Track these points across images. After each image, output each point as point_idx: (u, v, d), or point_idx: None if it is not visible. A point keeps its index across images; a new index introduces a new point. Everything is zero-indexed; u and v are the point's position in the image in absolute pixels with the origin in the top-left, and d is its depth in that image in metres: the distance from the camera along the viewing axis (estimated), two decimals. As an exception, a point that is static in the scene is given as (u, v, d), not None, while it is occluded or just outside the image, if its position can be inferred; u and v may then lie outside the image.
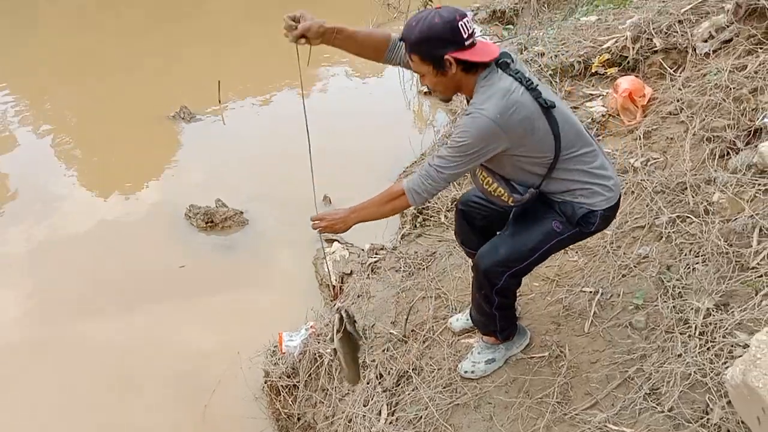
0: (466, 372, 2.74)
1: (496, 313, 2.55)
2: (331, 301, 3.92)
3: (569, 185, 2.27)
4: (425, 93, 6.71)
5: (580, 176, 2.25)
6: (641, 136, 3.78)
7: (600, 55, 4.36)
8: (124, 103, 6.96)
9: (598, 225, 2.32)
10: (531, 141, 2.13)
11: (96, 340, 3.91)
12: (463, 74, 2.10)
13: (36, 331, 4.02)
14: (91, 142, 6.40)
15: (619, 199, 2.35)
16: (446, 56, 2.04)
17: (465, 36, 2.03)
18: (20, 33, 9.51)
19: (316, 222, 2.37)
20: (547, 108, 2.12)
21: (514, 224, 2.44)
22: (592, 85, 4.37)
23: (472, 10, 9.03)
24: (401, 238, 4.08)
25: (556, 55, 4.45)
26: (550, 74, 4.35)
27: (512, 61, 2.15)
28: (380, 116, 6.48)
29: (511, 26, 7.95)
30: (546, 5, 7.33)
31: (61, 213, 5.23)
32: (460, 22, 2.03)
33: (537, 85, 2.13)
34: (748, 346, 2.15)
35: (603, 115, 4.03)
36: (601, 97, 4.20)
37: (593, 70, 4.38)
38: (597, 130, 3.97)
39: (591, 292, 2.96)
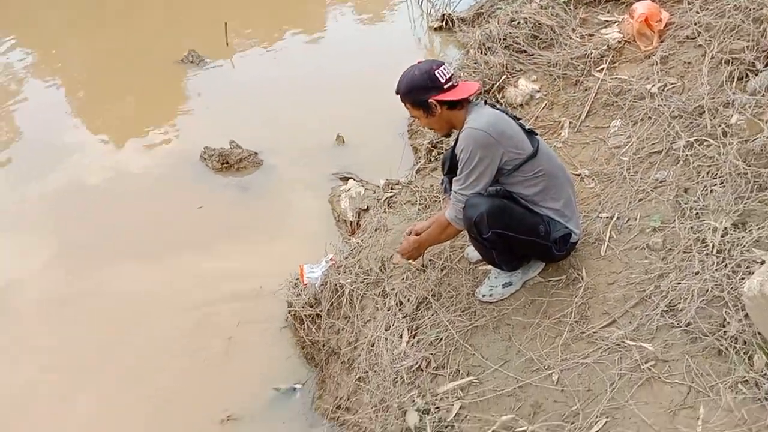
0: (483, 296, 2.81)
1: (492, 251, 2.65)
2: (349, 236, 3.98)
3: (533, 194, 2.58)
4: (436, 29, 6.60)
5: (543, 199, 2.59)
6: (658, 62, 3.73)
7: (615, -19, 4.26)
8: (131, 50, 6.87)
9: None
10: (514, 141, 2.48)
11: (118, 285, 3.99)
12: (449, 112, 2.51)
13: (57, 280, 4.08)
14: (102, 91, 6.37)
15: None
16: (429, 100, 2.46)
17: (443, 81, 2.45)
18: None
19: (402, 256, 2.92)
20: (529, 132, 2.55)
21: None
22: (608, 12, 4.27)
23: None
24: (416, 173, 4.10)
25: (569, -18, 4.35)
26: (564, 1, 4.26)
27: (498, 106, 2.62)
28: (391, 53, 6.38)
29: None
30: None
31: (76, 162, 5.23)
32: (436, 71, 2.46)
33: (520, 119, 2.60)
34: (765, 262, 2.19)
35: (619, 42, 3.97)
36: (616, 23, 4.11)
37: (609, -4, 4.29)
38: (613, 57, 3.91)
39: (607, 217, 2.98)
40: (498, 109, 2.56)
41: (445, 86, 2.46)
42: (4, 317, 3.86)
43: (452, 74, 2.51)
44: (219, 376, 3.35)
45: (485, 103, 2.57)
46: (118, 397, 3.32)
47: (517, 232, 2.56)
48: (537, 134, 2.62)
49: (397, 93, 2.58)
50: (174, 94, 6.13)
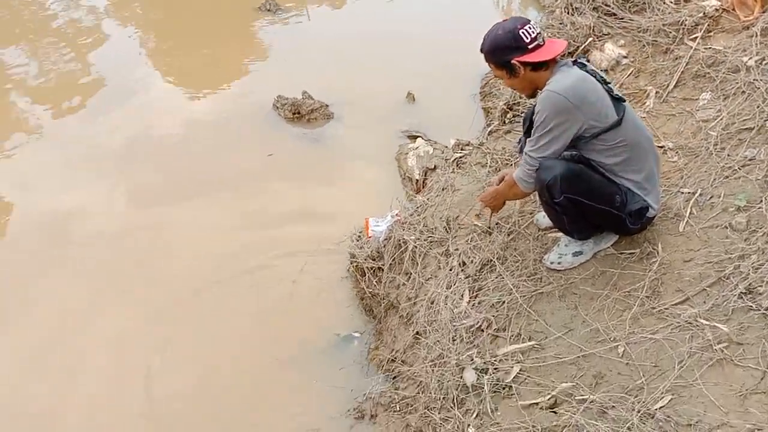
0: (552, 263, 2.75)
1: (563, 217, 2.58)
2: (414, 194, 3.97)
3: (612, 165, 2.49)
4: (516, -11, 6.39)
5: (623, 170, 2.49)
6: (758, 33, 3.49)
7: (718, -55, 3.98)
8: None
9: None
10: (597, 108, 2.36)
11: (183, 224, 4.09)
12: (533, 73, 2.43)
13: (129, 219, 4.19)
14: (178, 34, 6.44)
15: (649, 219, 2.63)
16: (512, 61, 2.39)
17: (528, 41, 2.36)
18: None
19: (485, 204, 2.93)
20: (616, 99, 2.41)
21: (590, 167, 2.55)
22: (707, -23, 4.02)
23: None
24: (488, 134, 4.02)
25: (668, -57, 4.10)
26: (660, -36, 4.03)
27: (588, 66, 2.49)
28: (467, 13, 6.25)
29: None
30: None
31: (151, 107, 5.31)
32: (521, 30, 2.36)
33: (610, 83, 2.44)
34: None
35: (716, 10, 3.73)
36: (715, -10, 3.87)
37: (710, -39, 4.03)
38: (708, 25, 3.69)
39: (689, 192, 2.85)
40: (586, 70, 2.44)
41: (530, 46, 2.37)
42: (69, 249, 4.01)
43: (538, 33, 2.41)
44: (280, 318, 3.44)
45: (574, 63, 2.46)
46: (175, 334, 3.41)
47: (591, 200, 2.47)
48: (625, 101, 2.50)
49: (481, 51, 2.52)
50: (250, 42, 6.17)
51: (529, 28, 2.39)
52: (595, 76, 2.44)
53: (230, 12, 6.54)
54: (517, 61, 2.39)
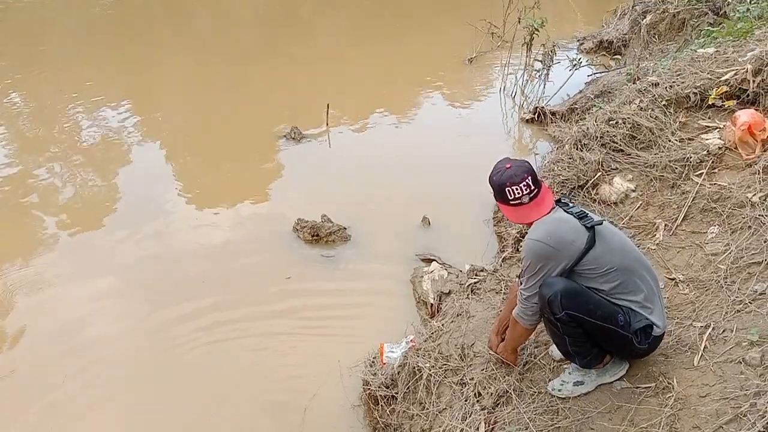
0: (553, 389, 2.79)
1: (565, 338, 2.63)
2: (428, 318, 4.00)
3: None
4: (527, 120, 6.73)
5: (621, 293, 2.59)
6: (760, 171, 3.64)
7: (718, 87, 4.24)
8: (234, 122, 7.31)
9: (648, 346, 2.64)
10: (577, 245, 2.52)
11: (203, 346, 4.07)
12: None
13: (144, 339, 4.17)
14: (203, 159, 6.72)
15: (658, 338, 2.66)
16: (497, 203, 2.70)
17: (511, 198, 2.60)
18: (142, 55, 10.08)
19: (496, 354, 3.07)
20: (590, 227, 2.53)
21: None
22: (709, 118, 4.25)
23: (578, 40, 9.01)
24: (502, 261, 4.10)
25: (671, 86, 4.36)
26: (663, 104, 4.28)
27: (571, 204, 2.69)
28: (480, 141, 6.56)
29: (618, 57, 7.86)
30: (657, 37, 7.18)
31: (172, 225, 5.46)
32: (508, 188, 2.59)
33: (587, 215, 2.60)
34: None
35: (719, 148, 3.91)
36: (717, 129, 4.08)
37: (710, 102, 4.26)
38: (712, 162, 3.86)
39: (702, 326, 2.88)
40: (567, 209, 2.62)
41: (512, 202, 2.62)
42: (79, 365, 3.96)
43: (522, 194, 2.58)
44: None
45: (557, 202, 2.66)
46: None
47: (593, 317, 2.53)
48: (600, 224, 2.58)
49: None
50: (273, 165, 6.41)
51: (516, 188, 2.58)
52: (572, 213, 2.60)
53: (255, 138, 6.86)
54: (500, 205, 2.70)
